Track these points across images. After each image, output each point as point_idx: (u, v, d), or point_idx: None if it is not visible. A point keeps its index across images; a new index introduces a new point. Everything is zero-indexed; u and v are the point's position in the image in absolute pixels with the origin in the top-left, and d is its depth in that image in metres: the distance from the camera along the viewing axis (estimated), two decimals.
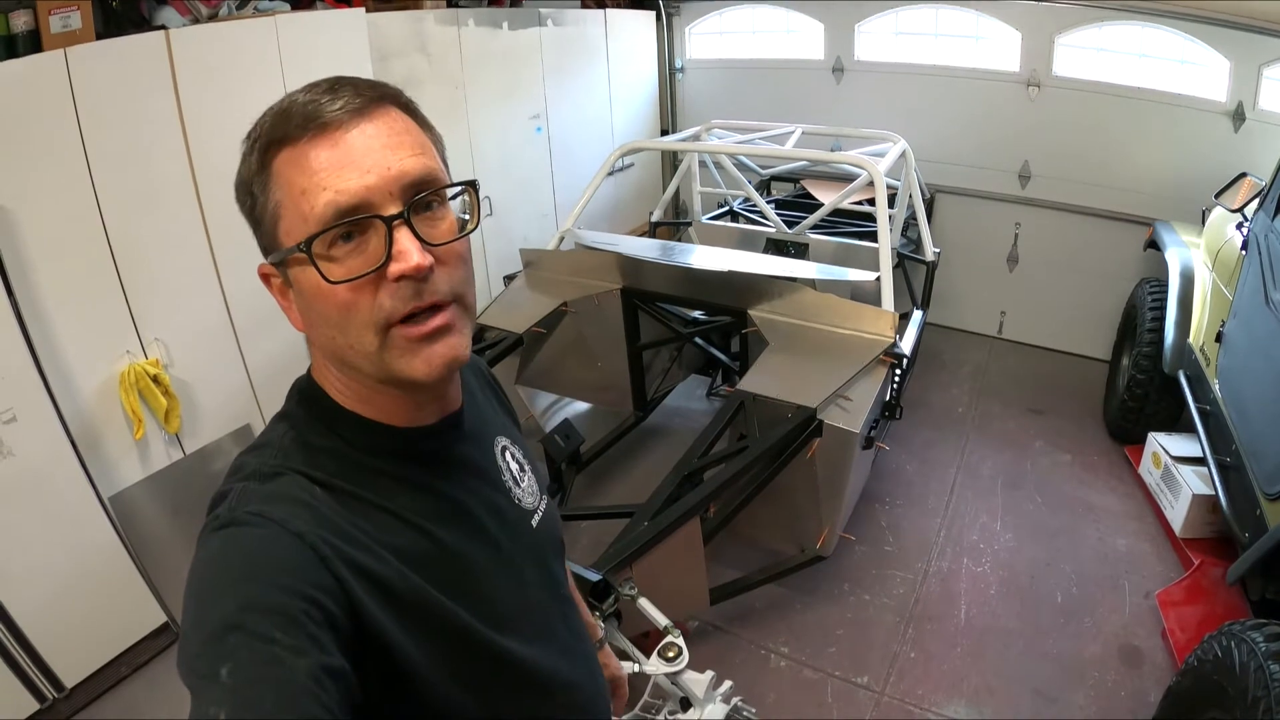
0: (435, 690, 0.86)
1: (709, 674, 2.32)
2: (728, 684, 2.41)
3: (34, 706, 2.85)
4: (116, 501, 3.02)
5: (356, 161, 0.80)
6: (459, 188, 0.89)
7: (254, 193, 0.84)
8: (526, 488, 1.11)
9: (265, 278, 0.90)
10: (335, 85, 0.83)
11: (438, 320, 0.85)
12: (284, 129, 0.81)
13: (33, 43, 2.67)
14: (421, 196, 0.84)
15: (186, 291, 3.16)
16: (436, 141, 0.90)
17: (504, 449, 1.10)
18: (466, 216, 0.91)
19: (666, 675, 2.27)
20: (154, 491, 3.16)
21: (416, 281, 0.82)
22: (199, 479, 3.29)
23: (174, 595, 3.12)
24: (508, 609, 0.98)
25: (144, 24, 3.02)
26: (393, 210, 0.81)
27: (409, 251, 0.81)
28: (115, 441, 3.02)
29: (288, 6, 3.40)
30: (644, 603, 2.42)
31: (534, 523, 1.10)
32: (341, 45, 3.50)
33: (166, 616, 3.14)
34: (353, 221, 0.80)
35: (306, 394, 0.94)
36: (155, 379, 3.04)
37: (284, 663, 0.69)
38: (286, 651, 0.69)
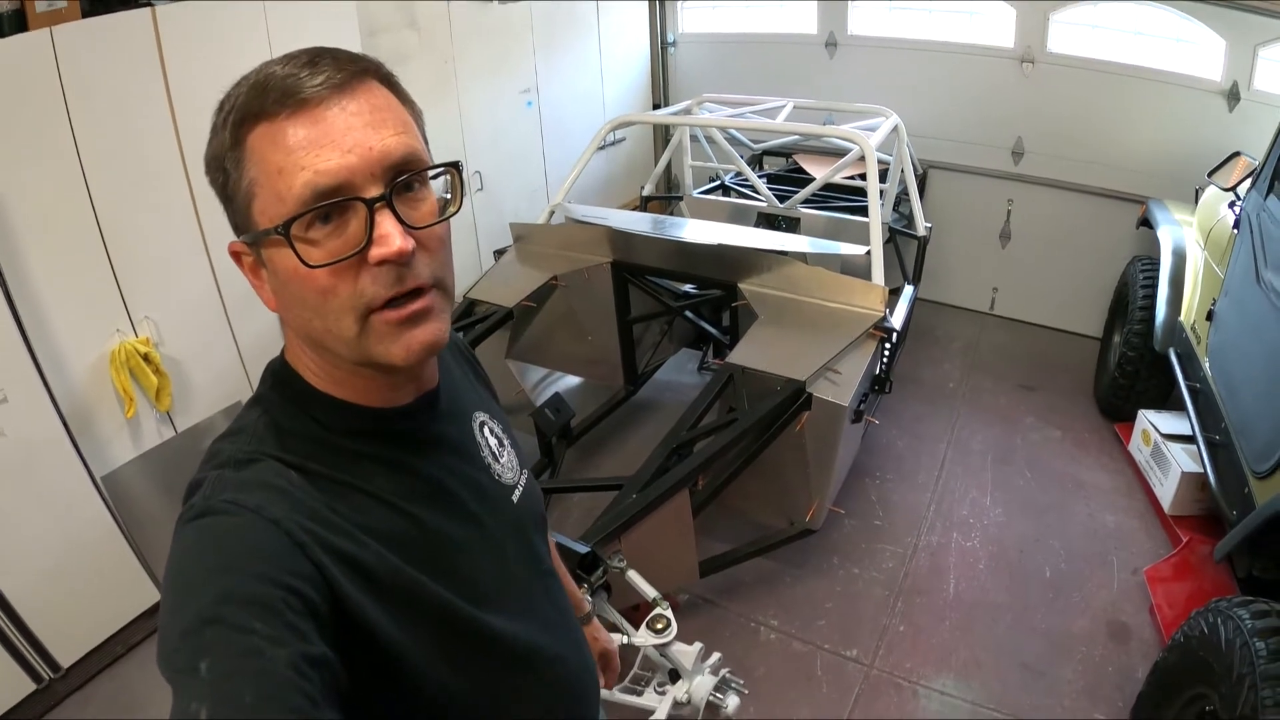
0: (421, 672, 0.86)
1: (698, 646, 2.34)
2: (716, 655, 2.43)
3: (30, 687, 2.86)
4: (109, 481, 3.01)
5: (337, 140, 0.77)
6: (441, 169, 0.87)
7: (226, 169, 0.81)
8: (506, 463, 1.10)
9: (236, 256, 0.87)
10: (315, 58, 0.80)
11: (418, 304, 0.83)
12: (260, 103, 0.78)
13: (18, 22, 2.62)
14: (404, 178, 0.81)
15: (176, 269, 3.14)
16: (417, 118, 0.88)
17: (482, 424, 1.09)
18: (448, 197, 0.88)
19: (655, 647, 2.28)
20: (146, 470, 3.15)
21: (398, 266, 0.80)
22: (191, 457, 3.25)
23: None
24: (490, 585, 0.97)
25: (130, 2, 2.96)
26: (374, 192, 0.79)
27: (391, 235, 0.78)
28: (107, 420, 3.02)
29: None
30: (633, 575, 2.43)
31: (514, 498, 1.09)
32: (329, 20, 3.45)
33: (160, 595, 3.11)
34: (332, 204, 0.78)
35: (280, 377, 0.92)
36: (146, 357, 3.02)
37: (264, 654, 0.68)
38: (266, 642, 0.68)
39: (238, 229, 0.84)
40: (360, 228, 0.79)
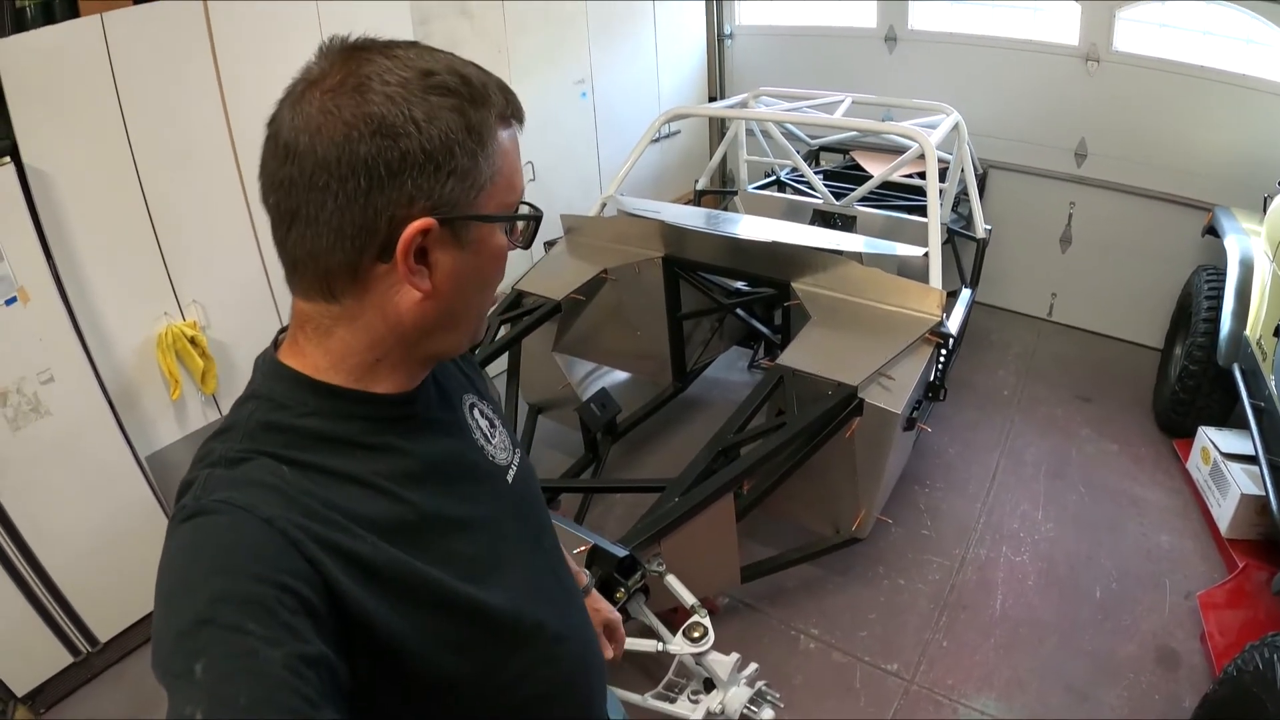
0: (424, 661, 0.86)
1: (734, 656, 2.30)
2: (753, 666, 2.39)
3: (68, 660, 2.92)
4: (153, 461, 3.06)
5: None
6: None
7: (485, 145, 0.84)
8: (498, 444, 1.11)
9: (418, 234, 0.81)
10: (504, 87, 0.89)
11: None
12: (512, 109, 0.88)
13: (70, 8, 2.65)
14: None
15: (224, 254, 3.16)
16: None
17: (471, 406, 1.10)
18: None
19: (691, 655, 2.24)
20: (190, 451, 3.11)
21: None
22: None
23: None
24: (489, 564, 0.98)
25: None
26: None
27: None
28: (152, 402, 3.06)
29: None
30: (671, 580, 2.39)
31: (509, 478, 1.10)
32: (382, 7, 3.44)
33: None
34: (538, 214, 0.93)
35: (272, 372, 0.91)
36: (192, 340, 3.06)
37: (258, 655, 0.68)
38: (261, 643, 0.68)
39: (441, 205, 0.82)
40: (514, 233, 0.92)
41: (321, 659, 0.72)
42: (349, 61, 0.81)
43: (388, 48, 0.82)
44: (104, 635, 2.98)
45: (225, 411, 2.83)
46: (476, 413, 1.10)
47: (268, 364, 0.92)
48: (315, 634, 0.73)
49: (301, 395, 0.88)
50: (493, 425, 1.12)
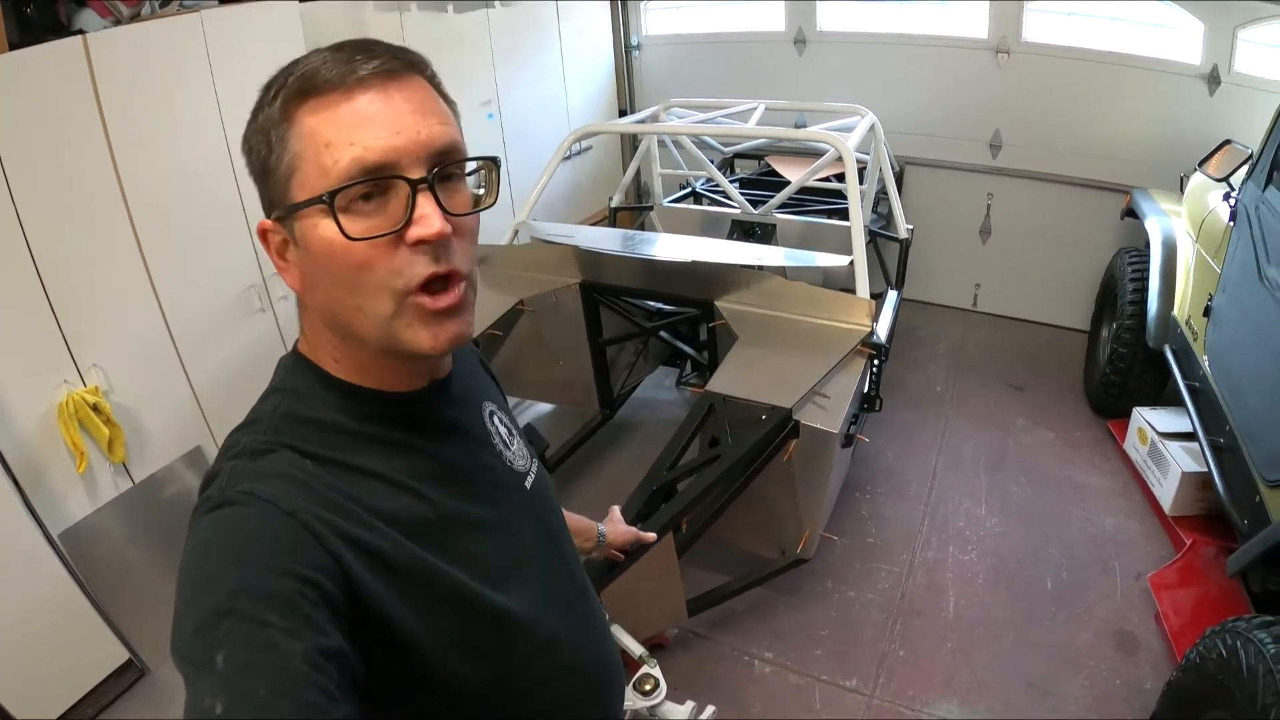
0: (438, 659, 0.86)
1: (689, 705, 2.19)
2: (710, 710, 2.28)
3: None
4: (67, 538, 2.87)
5: (386, 121, 0.80)
6: (479, 162, 0.89)
7: (270, 142, 0.82)
8: (516, 451, 1.11)
9: (264, 234, 0.87)
10: (368, 46, 0.82)
11: (452, 297, 0.84)
12: (314, 80, 0.80)
13: None
14: (445, 166, 0.83)
15: (122, 311, 3.01)
16: (456, 116, 0.90)
17: (491, 413, 1.10)
18: (481, 192, 0.91)
19: (644, 709, 2.14)
20: (106, 524, 3.03)
21: (434, 247, 0.82)
22: (151, 507, 3.16)
23: (135, 630, 2.99)
24: (505, 568, 0.98)
25: (61, 30, 2.81)
26: (417, 174, 0.81)
27: (431, 216, 0.81)
28: (60, 476, 2.89)
29: (215, 2, 3.18)
30: (616, 630, 2.28)
31: (527, 484, 1.10)
32: (273, 39, 3.30)
33: (129, 653, 2.98)
34: (376, 180, 0.80)
35: (294, 367, 0.93)
36: (95, 407, 2.89)
37: (279, 647, 0.68)
38: (282, 635, 0.68)
39: (271, 205, 0.85)
40: (401, 208, 0.81)
41: (341, 652, 0.72)
42: None
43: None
44: None
45: (138, 480, 2.72)
46: (496, 420, 1.10)
47: (290, 358, 0.94)
48: (335, 627, 0.73)
49: (321, 391, 0.90)
50: (510, 434, 1.12)
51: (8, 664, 2.67)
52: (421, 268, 0.81)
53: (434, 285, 0.83)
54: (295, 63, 0.82)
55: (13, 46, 2.59)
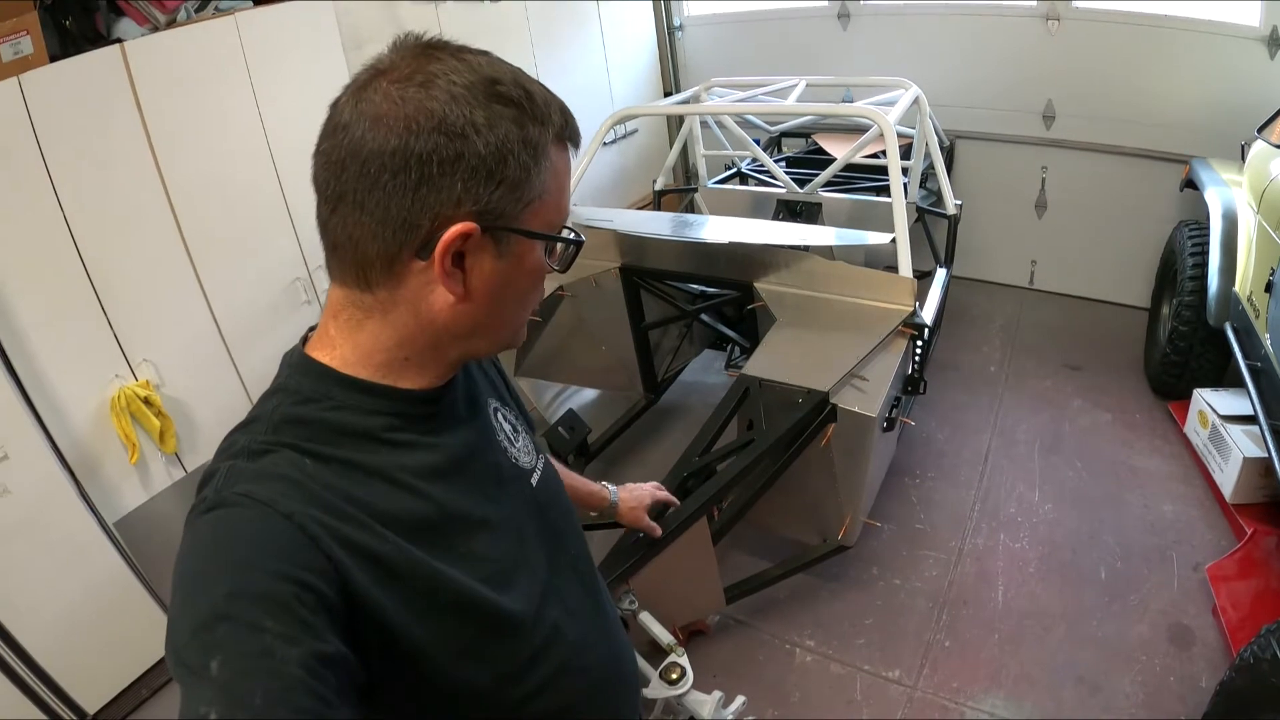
0: (439, 660, 0.86)
1: (716, 695, 2.18)
2: (740, 700, 2.26)
3: None
4: (122, 526, 2.97)
5: None
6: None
7: (530, 164, 0.83)
8: (522, 447, 1.11)
9: (461, 236, 0.82)
10: (561, 106, 0.88)
11: None
12: (569, 133, 0.88)
13: None
14: None
15: (171, 308, 3.07)
16: None
17: (495, 410, 1.10)
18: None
19: (671, 698, 2.12)
20: (159, 513, 3.10)
21: None
22: None
23: None
24: (510, 567, 0.97)
25: (100, 39, 2.86)
26: None
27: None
28: (114, 467, 2.97)
29: (249, 3, 3.20)
30: (645, 618, 2.28)
31: (533, 481, 1.10)
32: (310, 37, 3.34)
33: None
34: (581, 239, 0.93)
35: (300, 366, 0.91)
36: (147, 400, 2.96)
37: (275, 654, 0.67)
38: (278, 640, 0.68)
39: (488, 214, 0.83)
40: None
41: (338, 657, 0.72)
42: (419, 58, 0.82)
43: (459, 51, 0.83)
44: (91, 707, 2.91)
45: (190, 469, 2.76)
46: (500, 416, 1.10)
47: (295, 358, 0.93)
48: (332, 632, 0.73)
49: (327, 388, 0.88)
50: (515, 430, 1.12)
51: (67, 647, 2.79)
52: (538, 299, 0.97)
53: None
54: (544, 97, 0.86)
55: (53, 58, 2.63)
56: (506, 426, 1.10)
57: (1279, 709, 1.91)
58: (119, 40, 2.82)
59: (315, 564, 0.75)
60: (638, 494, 1.89)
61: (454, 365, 0.95)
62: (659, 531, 1.96)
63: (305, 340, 0.94)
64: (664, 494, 2.00)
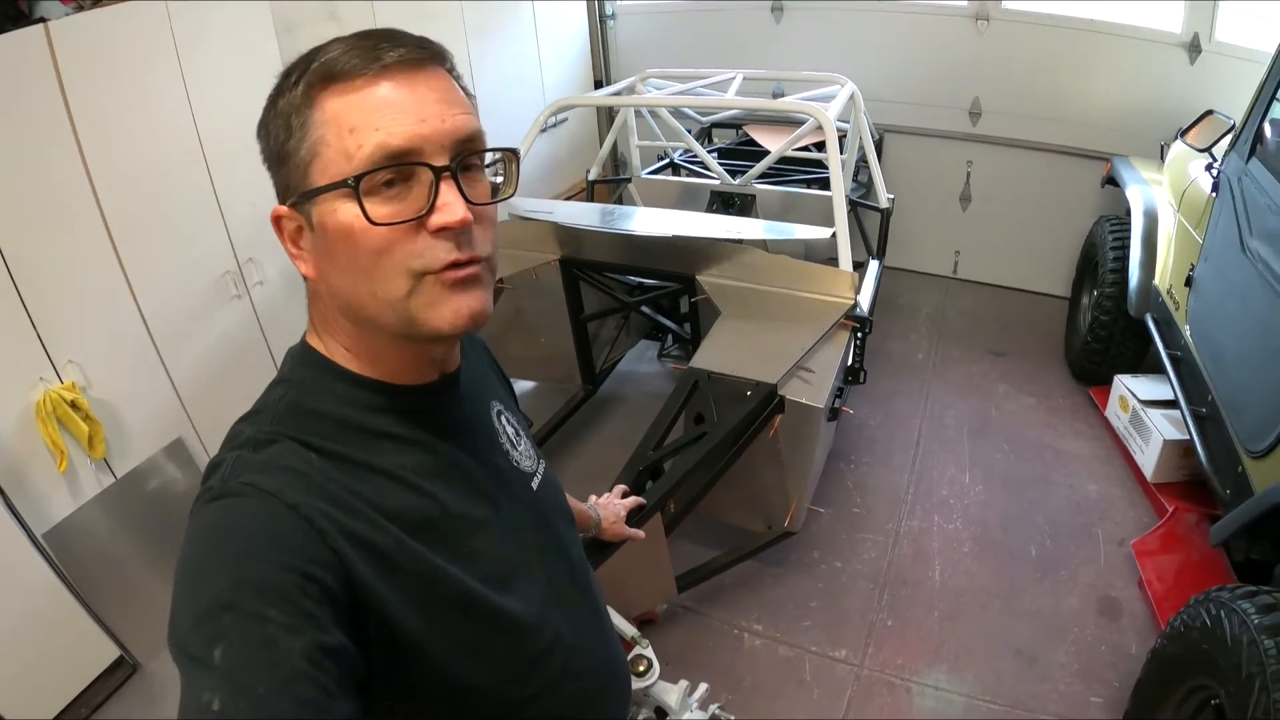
0: (440, 659, 0.86)
1: (683, 684, 2.20)
2: (703, 688, 2.29)
3: None
4: (51, 538, 2.82)
5: (411, 109, 0.80)
6: (499, 153, 0.90)
7: (291, 125, 0.82)
8: (524, 451, 1.11)
9: (278, 220, 0.87)
10: (393, 35, 0.83)
11: (472, 269, 0.84)
12: (339, 66, 0.80)
13: None
14: (467, 156, 0.84)
15: (96, 305, 2.93)
16: (475, 109, 0.89)
17: (499, 412, 1.10)
18: (499, 181, 0.92)
19: (638, 690, 2.14)
20: (89, 522, 2.97)
21: (456, 234, 0.82)
22: (135, 501, 3.10)
23: (124, 626, 2.98)
24: (509, 569, 0.97)
25: (22, 19, 2.70)
26: (441, 162, 0.81)
27: (454, 204, 0.81)
28: (41, 476, 2.81)
29: None
30: (608, 612, 2.27)
31: (534, 485, 1.10)
32: (241, 27, 3.23)
33: (119, 650, 2.97)
34: (400, 166, 0.80)
35: (302, 358, 0.92)
36: (74, 404, 2.81)
37: (278, 644, 0.68)
38: (281, 631, 0.68)
39: (287, 191, 0.85)
40: (423, 195, 0.81)
41: (341, 649, 0.72)
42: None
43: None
44: None
45: (120, 475, 2.66)
46: (503, 419, 1.10)
47: (298, 348, 0.94)
48: (335, 624, 0.73)
49: (330, 382, 0.89)
50: (517, 433, 1.12)
51: None
52: (444, 253, 0.81)
53: (454, 269, 0.83)
54: (317, 49, 0.82)
55: None
56: (509, 429, 1.10)
57: (1208, 673, 2.03)
58: (42, 20, 2.67)
59: (320, 556, 0.75)
60: (613, 508, 1.86)
61: (415, 347, 0.90)
62: (643, 536, 1.93)
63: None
64: (633, 499, 1.99)
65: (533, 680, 0.99)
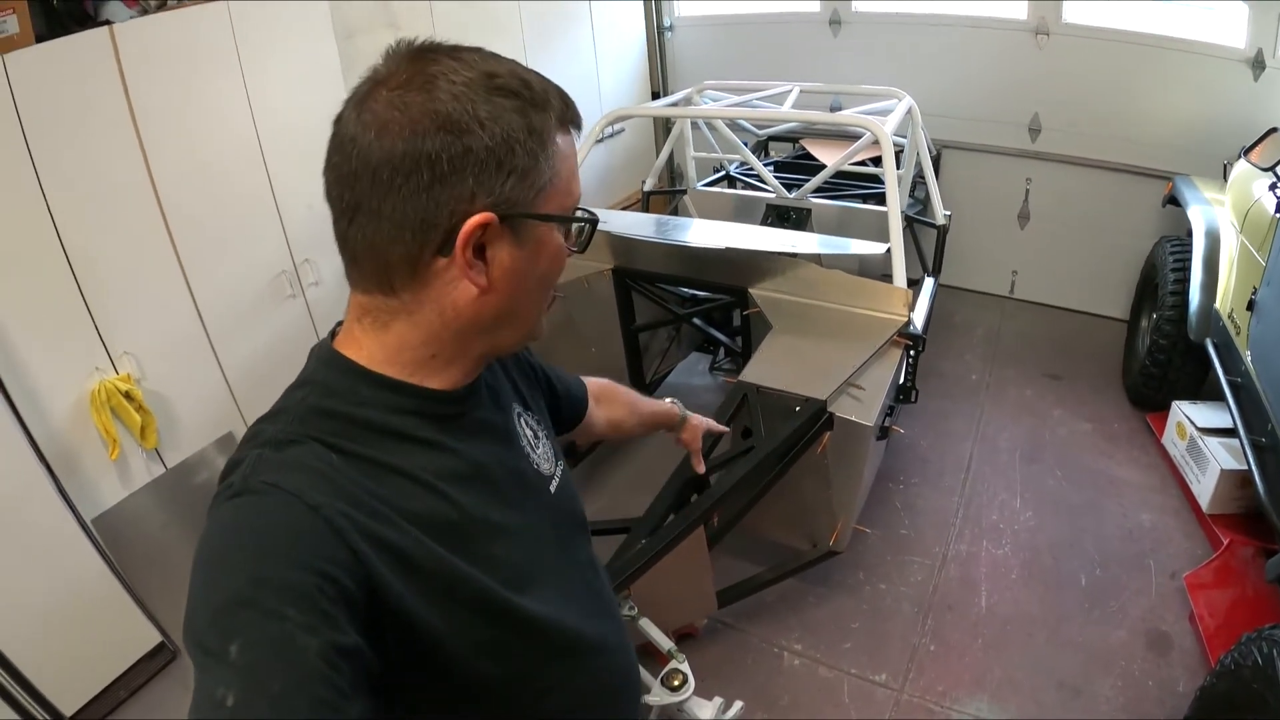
0: (458, 660, 0.87)
1: (717, 701, 2.20)
2: (738, 705, 2.29)
3: None
4: (100, 523, 2.91)
5: None
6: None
7: (537, 150, 0.85)
8: (543, 454, 1.12)
9: (479, 228, 0.84)
10: (562, 94, 0.90)
11: None
12: (572, 117, 0.90)
13: None
14: None
15: (154, 300, 3.01)
16: None
17: (519, 415, 1.11)
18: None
19: (672, 704, 2.14)
20: (138, 510, 3.05)
21: None
22: (183, 492, 3.18)
23: (166, 614, 3.05)
24: (528, 571, 0.98)
25: (88, 21, 2.79)
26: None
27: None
28: (93, 463, 2.91)
29: None
30: (645, 624, 2.29)
31: (552, 488, 1.11)
32: (302, 26, 3.30)
33: (161, 636, 3.04)
34: (595, 218, 0.94)
35: (327, 359, 0.93)
36: (127, 395, 2.90)
37: (295, 642, 0.68)
38: (298, 629, 0.69)
39: (503, 203, 0.85)
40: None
41: (356, 650, 0.72)
42: (415, 62, 0.83)
43: (454, 51, 0.85)
44: (69, 709, 2.83)
45: (170, 465, 2.73)
46: (524, 421, 1.11)
47: (323, 351, 0.94)
48: (351, 625, 0.73)
49: (354, 384, 0.89)
50: (537, 436, 1.13)
51: (43, 647, 2.71)
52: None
53: None
54: (546, 85, 0.88)
55: (40, 39, 2.57)
56: (529, 432, 1.11)
57: (1258, 712, 1.96)
58: (107, 22, 2.75)
59: (339, 556, 0.76)
60: (699, 419, 1.95)
61: (479, 363, 0.97)
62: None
63: (334, 335, 0.95)
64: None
65: (547, 679, 1.00)
